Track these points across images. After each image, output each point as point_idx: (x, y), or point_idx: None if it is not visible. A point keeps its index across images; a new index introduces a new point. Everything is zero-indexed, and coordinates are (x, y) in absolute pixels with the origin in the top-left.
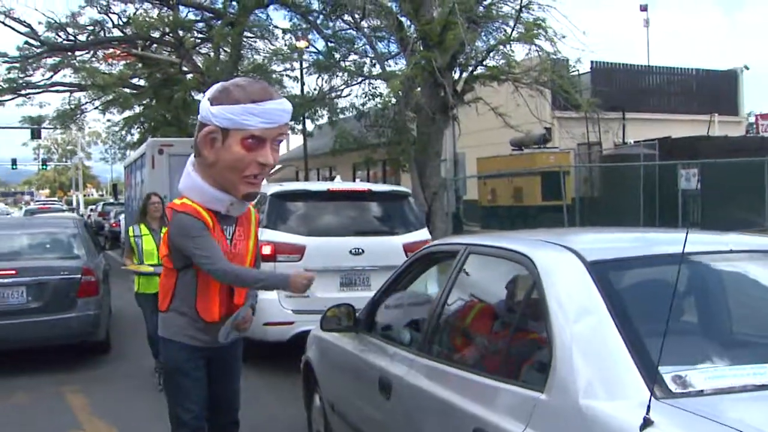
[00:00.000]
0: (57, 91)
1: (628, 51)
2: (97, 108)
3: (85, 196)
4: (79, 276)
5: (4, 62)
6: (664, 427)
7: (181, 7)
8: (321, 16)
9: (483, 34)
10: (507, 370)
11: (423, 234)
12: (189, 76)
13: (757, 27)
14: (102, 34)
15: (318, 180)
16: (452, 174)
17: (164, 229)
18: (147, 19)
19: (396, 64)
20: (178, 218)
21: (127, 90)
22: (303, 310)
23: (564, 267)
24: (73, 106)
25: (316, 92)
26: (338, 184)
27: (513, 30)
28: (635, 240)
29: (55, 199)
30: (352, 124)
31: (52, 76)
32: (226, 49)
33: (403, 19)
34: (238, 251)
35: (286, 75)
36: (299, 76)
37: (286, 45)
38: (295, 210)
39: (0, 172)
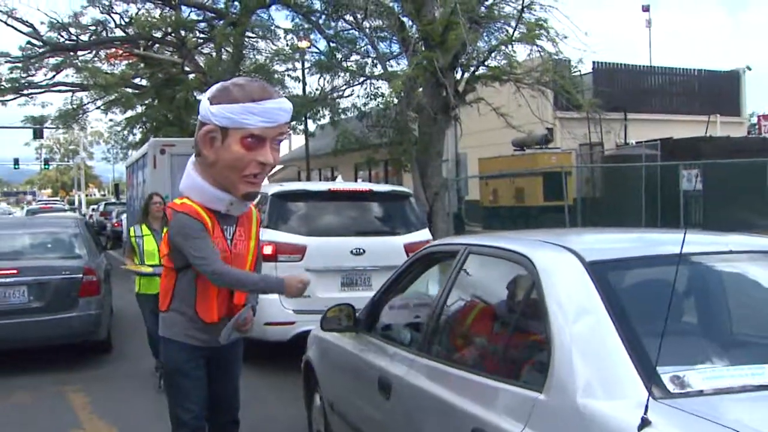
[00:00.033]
0: (59, 91)
1: (630, 51)
2: (99, 108)
3: (87, 195)
4: (81, 276)
5: (6, 62)
6: (661, 427)
7: (183, 7)
8: (323, 17)
9: (485, 34)
10: (506, 370)
11: (424, 234)
12: (191, 76)
13: (760, 27)
14: (104, 34)
15: (320, 180)
16: (454, 174)
17: (165, 230)
18: (149, 19)
19: (398, 64)
20: (177, 218)
21: (129, 90)
22: (304, 310)
23: (563, 267)
24: (75, 106)
25: (318, 92)
26: (339, 184)
27: (515, 30)
28: (634, 240)
29: (57, 198)
30: (353, 124)
31: (54, 76)
32: (228, 49)
33: (404, 19)
34: (238, 251)
35: (288, 75)
36: (301, 77)
37: (288, 45)
38: (297, 210)
39: (2, 172)
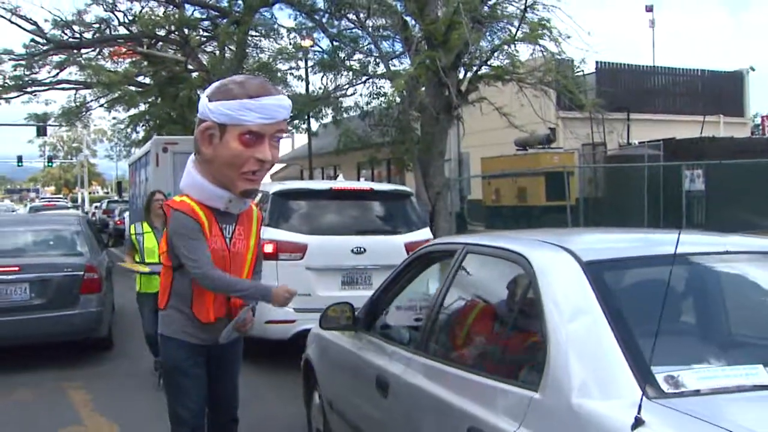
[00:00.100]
0: (63, 89)
1: (634, 51)
2: (102, 106)
3: (90, 193)
4: (82, 273)
5: (10, 59)
6: (655, 427)
7: (186, 6)
8: (326, 15)
9: (487, 33)
10: (502, 369)
11: (425, 233)
12: (194, 74)
13: (763, 28)
14: (108, 31)
15: (322, 179)
16: (456, 174)
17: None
18: (153, 17)
19: (400, 63)
20: (174, 216)
21: (133, 88)
22: (304, 309)
23: (560, 267)
24: (78, 104)
25: (321, 91)
26: (341, 183)
27: (518, 30)
28: (632, 240)
29: (61, 196)
30: (356, 123)
31: (57, 74)
32: (231, 47)
33: (407, 18)
34: (237, 250)
35: (291, 74)
36: (304, 75)
37: (291, 44)
38: (298, 208)
39: (6, 169)
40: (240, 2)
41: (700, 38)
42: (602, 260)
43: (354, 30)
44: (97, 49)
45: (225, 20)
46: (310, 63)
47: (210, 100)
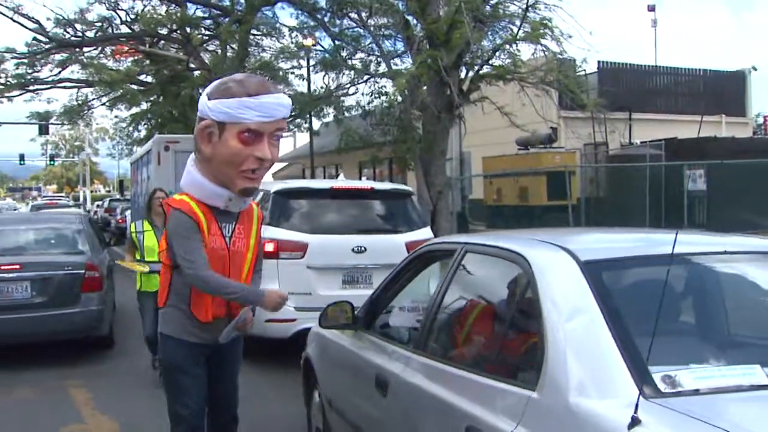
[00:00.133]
0: (65, 87)
1: (636, 51)
2: (104, 104)
3: (92, 192)
4: (83, 271)
5: (12, 58)
6: (651, 426)
7: (188, 4)
8: (328, 14)
9: (489, 33)
10: (500, 369)
11: (425, 233)
12: (196, 73)
13: (765, 28)
14: (110, 30)
15: (324, 178)
16: (458, 173)
17: None
18: (155, 15)
19: (402, 62)
20: (172, 214)
21: (135, 86)
22: (305, 308)
23: (558, 266)
24: (80, 102)
25: (323, 90)
26: (341, 182)
27: (519, 29)
28: (630, 240)
29: (63, 194)
30: (357, 122)
31: (59, 72)
32: (233, 46)
33: (409, 17)
34: (237, 249)
35: (292, 73)
36: (305, 74)
37: (292, 43)
38: (299, 207)
39: (8, 168)
40: (242, 1)
41: (702, 38)
42: (600, 260)
43: (356, 29)
44: (100, 48)
45: (227, 19)
46: (311, 62)
47: (209, 99)
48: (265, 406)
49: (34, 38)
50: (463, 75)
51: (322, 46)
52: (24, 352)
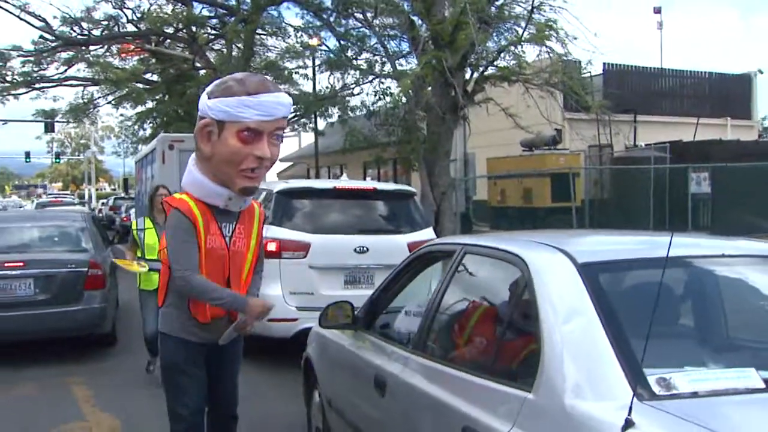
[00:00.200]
0: (71, 85)
1: (641, 53)
2: (110, 102)
3: (97, 190)
4: (86, 269)
5: (19, 56)
6: (645, 428)
7: (194, 4)
8: (333, 14)
9: (494, 34)
10: (497, 370)
11: (428, 233)
12: (202, 72)
13: None
14: (116, 29)
15: (329, 178)
16: (462, 174)
17: None
18: (161, 14)
19: (407, 63)
20: (171, 213)
21: (140, 85)
22: (307, 307)
23: (555, 268)
24: (86, 101)
25: (329, 90)
26: (344, 183)
27: (524, 31)
28: (628, 243)
29: (68, 192)
30: (362, 122)
31: (66, 70)
32: (238, 45)
33: (414, 18)
34: (237, 249)
35: (296, 72)
36: (311, 74)
37: (298, 42)
38: (301, 207)
39: (14, 165)
40: (248, 0)
41: (708, 40)
42: (597, 262)
43: (361, 29)
44: (106, 46)
45: (233, 18)
46: (317, 62)
47: (209, 98)
48: (265, 405)
49: (41, 36)
50: (467, 76)
51: (327, 46)
52: (25, 349)
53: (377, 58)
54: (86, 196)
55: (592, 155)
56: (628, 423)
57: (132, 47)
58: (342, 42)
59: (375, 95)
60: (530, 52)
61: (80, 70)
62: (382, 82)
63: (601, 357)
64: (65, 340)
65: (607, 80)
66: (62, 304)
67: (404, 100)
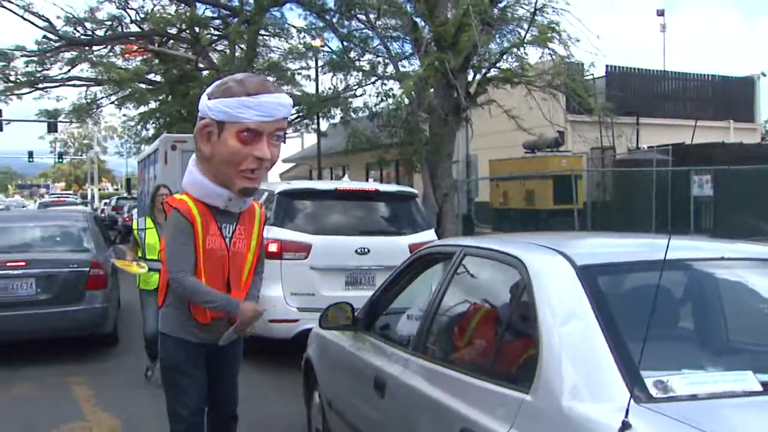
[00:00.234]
0: (74, 86)
1: (644, 56)
2: (113, 103)
3: (100, 190)
4: (88, 269)
5: (22, 56)
6: (642, 431)
7: (198, 4)
8: (336, 15)
9: (497, 36)
10: (496, 371)
11: (429, 235)
12: (205, 72)
13: None
14: (119, 29)
15: (331, 179)
16: (464, 175)
17: None
18: (164, 15)
19: (410, 64)
20: (170, 214)
21: (143, 85)
22: (308, 308)
23: (554, 270)
24: (89, 101)
25: (331, 91)
26: (346, 184)
27: (527, 33)
28: (627, 245)
29: (70, 192)
30: (365, 124)
31: (69, 71)
32: (241, 46)
33: (417, 19)
34: (237, 250)
35: (299, 73)
36: (313, 75)
37: (301, 44)
38: (303, 208)
39: (17, 165)
40: (251, 1)
41: (711, 43)
42: (596, 264)
43: (364, 30)
44: (109, 47)
45: (236, 19)
46: (320, 63)
47: (209, 98)
48: (265, 405)
49: (44, 36)
50: (470, 78)
51: (330, 48)
52: (27, 349)
53: (380, 59)
54: (89, 196)
55: (595, 157)
56: (625, 425)
57: (135, 47)
58: (345, 43)
59: (377, 96)
60: (533, 54)
61: (83, 70)
62: (385, 84)
63: (599, 359)
64: (66, 340)
65: (609, 82)
66: (64, 303)
67: (407, 101)
